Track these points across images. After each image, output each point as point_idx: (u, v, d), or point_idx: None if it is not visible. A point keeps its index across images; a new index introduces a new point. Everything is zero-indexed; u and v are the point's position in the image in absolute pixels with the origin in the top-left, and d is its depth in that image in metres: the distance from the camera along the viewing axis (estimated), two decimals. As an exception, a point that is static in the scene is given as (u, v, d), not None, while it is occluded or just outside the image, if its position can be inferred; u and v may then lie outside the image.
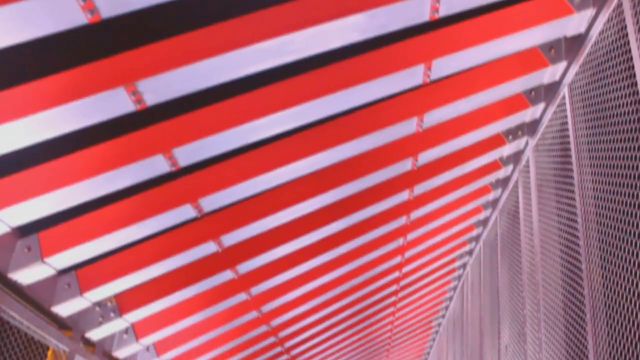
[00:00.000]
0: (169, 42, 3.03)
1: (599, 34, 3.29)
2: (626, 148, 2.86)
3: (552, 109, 4.13)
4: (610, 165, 3.07)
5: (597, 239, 3.20)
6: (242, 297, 5.34)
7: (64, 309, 4.12)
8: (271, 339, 6.71)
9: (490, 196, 6.02)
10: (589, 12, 3.40)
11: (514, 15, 3.53)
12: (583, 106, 3.51)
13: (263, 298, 5.64)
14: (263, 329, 6.30)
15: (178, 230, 4.22)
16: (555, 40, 3.79)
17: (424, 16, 3.22)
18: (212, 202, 4.04)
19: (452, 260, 7.87)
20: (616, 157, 2.99)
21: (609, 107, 3.11)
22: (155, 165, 3.55)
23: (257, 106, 3.50)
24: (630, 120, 2.83)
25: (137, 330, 4.94)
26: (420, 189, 5.09)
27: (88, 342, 4.58)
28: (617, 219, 2.94)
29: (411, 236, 6.11)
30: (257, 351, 6.74)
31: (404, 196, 5.10)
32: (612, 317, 2.93)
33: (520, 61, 3.92)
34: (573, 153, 3.57)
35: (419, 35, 3.48)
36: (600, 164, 3.20)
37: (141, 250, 4.19)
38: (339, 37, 3.20)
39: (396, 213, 5.38)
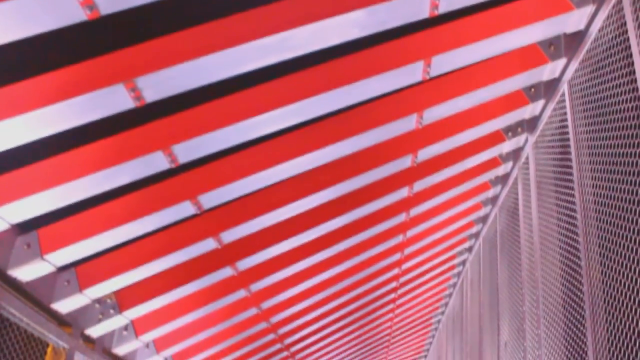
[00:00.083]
0: (169, 39, 3.02)
1: (599, 31, 3.28)
2: (626, 145, 2.86)
3: (551, 105, 4.13)
4: (609, 162, 3.07)
5: (597, 235, 3.20)
6: (241, 294, 5.34)
7: (64, 305, 4.12)
8: (271, 336, 6.72)
9: (490, 193, 6.03)
10: (589, 9, 3.40)
11: (513, 12, 3.52)
12: (582, 103, 3.51)
13: (262, 295, 5.65)
14: (262, 325, 6.30)
15: (177, 227, 4.22)
16: (555, 37, 3.79)
17: (424, 13, 3.21)
18: (211, 199, 4.04)
19: (452, 257, 7.87)
20: (615, 153, 2.99)
21: (608, 104, 3.11)
22: (155, 162, 3.54)
23: (257, 103, 3.50)
24: (629, 117, 2.83)
25: (136, 327, 4.94)
26: (419, 185, 5.09)
27: (88, 339, 4.58)
28: (617, 215, 2.94)
29: (411, 233, 6.12)
30: (257, 348, 6.75)
31: (403, 193, 5.10)
32: (611, 314, 2.93)
33: (519, 58, 3.91)
34: (572, 150, 3.57)
35: (419, 32, 3.48)
36: (599, 161, 3.20)
37: (141, 247, 4.19)
38: (338, 34, 3.20)
39: (396, 210, 5.38)
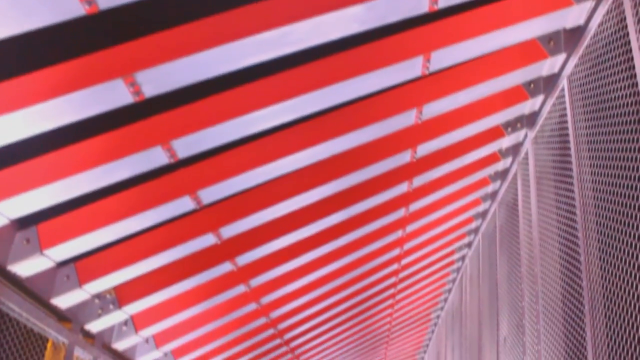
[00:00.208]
0: (168, 34, 3.02)
1: (598, 26, 3.28)
2: (625, 140, 2.86)
3: (551, 101, 4.12)
4: (609, 157, 3.07)
5: (596, 230, 3.20)
6: (241, 289, 5.35)
7: (63, 301, 4.13)
8: (270, 331, 6.72)
9: (489, 188, 6.03)
10: (588, 4, 3.39)
11: (513, 7, 3.52)
12: (582, 98, 3.51)
13: (262, 290, 5.65)
14: (262, 320, 6.31)
15: (177, 222, 4.22)
16: (555, 32, 3.79)
17: (423, 7, 3.21)
18: (211, 194, 4.04)
19: (451, 253, 7.88)
20: (615, 149, 2.99)
21: (608, 99, 3.10)
22: (154, 157, 3.54)
23: (257, 98, 3.50)
24: (629, 112, 2.83)
25: (136, 322, 4.95)
26: (419, 181, 5.09)
27: (87, 334, 4.59)
28: (616, 210, 2.94)
29: (410, 228, 6.12)
30: (256, 343, 6.76)
31: (403, 188, 5.10)
32: (610, 309, 2.94)
33: (519, 53, 3.91)
34: (572, 145, 3.57)
35: (418, 27, 3.47)
36: (599, 156, 3.20)
37: (140, 242, 4.19)
38: (338, 29, 3.19)
39: (395, 205, 5.38)
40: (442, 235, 6.93)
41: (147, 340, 5.33)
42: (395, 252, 6.61)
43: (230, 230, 4.49)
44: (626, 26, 2.89)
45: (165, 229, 4.21)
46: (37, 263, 3.74)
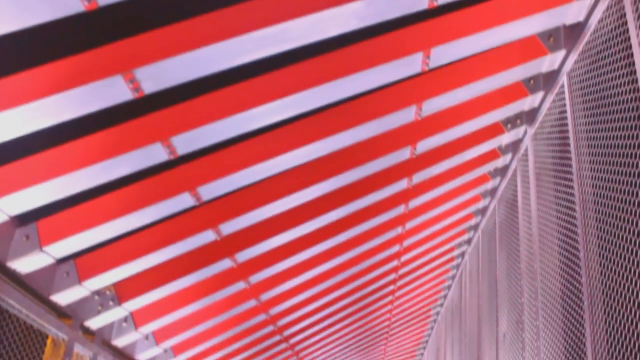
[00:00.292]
0: (167, 30, 3.02)
1: (598, 22, 3.27)
2: (625, 136, 2.86)
3: (550, 97, 4.12)
4: (608, 153, 3.06)
5: (595, 227, 3.20)
6: (240, 285, 5.35)
7: (63, 297, 4.13)
8: (270, 328, 6.73)
9: (489, 185, 6.03)
10: (588, 1, 3.39)
11: (513, 3, 3.51)
12: (582, 95, 3.50)
13: (262, 287, 5.65)
14: (262, 317, 6.31)
15: (176, 218, 4.22)
16: (554, 29, 3.78)
17: (423, 4, 3.21)
18: (210, 190, 4.04)
19: (451, 249, 7.88)
20: (614, 145, 2.99)
21: (607, 96, 3.10)
22: (154, 154, 3.54)
23: (256, 94, 3.49)
24: (628, 108, 2.83)
25: (136, 319, 4.95)
26: (418, 177, 5.09)
27: (87, 331, 4.59)
28: (615, 207, 2.94)
29: (410, 225, 6.12)
30: (256, 340, 6.77)
31: (402, 185, 5.10)
32: (609, 305, 2.94)
33: (519, 49, 3.91)
34: (572, 142, 3.57)
35: (418, 23, 3.47)
36: (598, 153, 3.20)
37: (140, 238, 4.19)
38: (337, 25, 3.19)
39: (395, 202, 5.38)
40: (442, 231, 6.93)
41: (147, 337, 5.34)
42: (395, 248, 6.61)
43: (230, 226, 4.49)
44: (626, 22, 2.88)
45: (164, 225, 4.21)
46: (36, 259, 3.75)
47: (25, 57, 2.89)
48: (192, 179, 3.91)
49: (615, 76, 2.99)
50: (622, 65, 2.92)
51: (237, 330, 6.23)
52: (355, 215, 5.22)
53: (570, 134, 3.59)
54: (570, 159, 3.60)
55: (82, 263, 4.13)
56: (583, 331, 3.24)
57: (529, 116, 4.62)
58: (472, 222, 7.06)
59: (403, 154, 4.60)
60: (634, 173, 2.74)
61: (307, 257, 5.46)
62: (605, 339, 2.95)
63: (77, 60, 2.95)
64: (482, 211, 6.66)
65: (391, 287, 8.07)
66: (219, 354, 6.36)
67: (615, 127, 2.98)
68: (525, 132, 4.79)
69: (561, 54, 3.81)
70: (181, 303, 5.06)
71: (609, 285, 2.95)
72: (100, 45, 2.96)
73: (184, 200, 4.01)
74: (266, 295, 5.85)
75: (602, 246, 3.09)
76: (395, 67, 3.62)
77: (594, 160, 3.26)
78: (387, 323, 9.99)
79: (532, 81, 4.29)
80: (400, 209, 5.56)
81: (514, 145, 5.15)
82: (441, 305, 10.43)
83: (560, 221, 3.83)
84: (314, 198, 4.62)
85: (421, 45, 3.54)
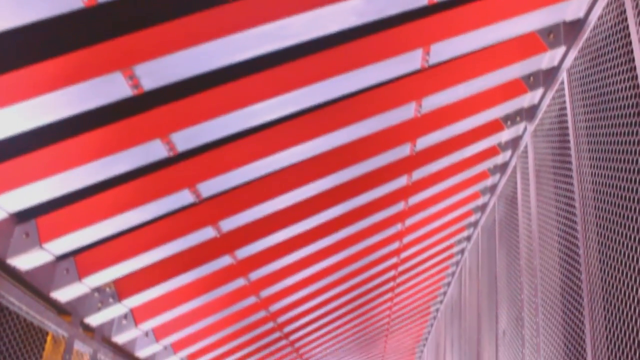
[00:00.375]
0: (166, 26, 3.01)
1: (598, 19, 3.27)
2: (624, 133, 2.86)
3: (550, 94, 4.12)
4: (608, 150, 3.06)
5: (595, 223, 3.20)
6: (240, 282, 5.35)
7: (63, 294, 4.13)
8: (270, 324, 6.74)
9: (489, 182, 6.03)
10: (588, -3, 3.39)
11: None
12: (581, 91, 3.50)
13: (262, 283, 5.66)
14: (262, 314, 6.32)
15: (176, 215, 4.22)
16: (554, 25, 3.78)
17: (423, 0, 3.20)
18: (210, 187, 4.04)
19: (451, 246, 7.88)
20: (614, 142, 2.99)
21: (607, 92, 3.10)
22: (153, 151, 3.54)
23: (255, 91, 3.49)
24: (628, 105, 2.83)
25: (136, 316, 4.96)
26: (418, 174, 5.09)
27: (87, 328, 4.60)
28: (615, 203, 2.94)
29: (409, 222, 6.12)
30: (256, 336, 6.77)
31: (402, 181, 5.10)
32: (609, 302, 2.94)
33: (518, 46, 3.90)
34: (571, 138, 3.57)
35: (418, 20, 3.46)
36: (598, 149, 3.20)
37: (140, 235, 4.20)
38: (337, 21, 3.19)
39: (394, 198, 5.38)
40: (442, 228, 6.93)
41: (146, 334, 5.34)
42: (395, 245, 6.61)
43: (230, 223, 4.49)
44: (626, 19, 2.88)
45: (164, 222, 4.21)
46: (36, 256, 3.75)
47: (24, 53, 2.89)
48: (191, 175, 3.91)
49: (615, 73, 2.99)
50: (622, 62, 2.92)
51: (237, 327, 6.23)
52: (355, 212, 5.22)
53: (570, 131, 3.59)
54: (570, 155, 3.60)
55: (82, 260, 4.13)
56: (582, 328, 3.24)
57: (529, 113, 4.62)
58: (472, 218, 7.06)
59: (403, 151, 4.60)
60: (634, 169, 2.74)
61: (307, 253, 5.46)
62: (605, 335, 2.96)
63: (77, 56, 2.95)
64: (482, 208, 6.66)
65: (391, 284, 8.07)
66: (219, 351, 6.36)
67: (615, 124, 2.97)
68: (525, 129, 4.79)
69: (561, 50, 3.81)
70: (181, 300, 5.06)
71: (609, 282, 2.95)
72: (99, 42, 2.96)
73: (184, 197, 4.01)
74: (266, 292, 5.85)
75: (602, 242, 3.09)
76: (395, 63, 3.62)
77: (593, 157, 3.26)
78: (387, 320, 10.00)
79: (531, 78, 4.28)
80: (400, 206, 5.56)
81: (514, 142, 5.15)
82: (441, 302, 10.45)
83: (559, 218, 3.83)
84: (314, 195, 4.62)
85: (421, 41, 3.53)
